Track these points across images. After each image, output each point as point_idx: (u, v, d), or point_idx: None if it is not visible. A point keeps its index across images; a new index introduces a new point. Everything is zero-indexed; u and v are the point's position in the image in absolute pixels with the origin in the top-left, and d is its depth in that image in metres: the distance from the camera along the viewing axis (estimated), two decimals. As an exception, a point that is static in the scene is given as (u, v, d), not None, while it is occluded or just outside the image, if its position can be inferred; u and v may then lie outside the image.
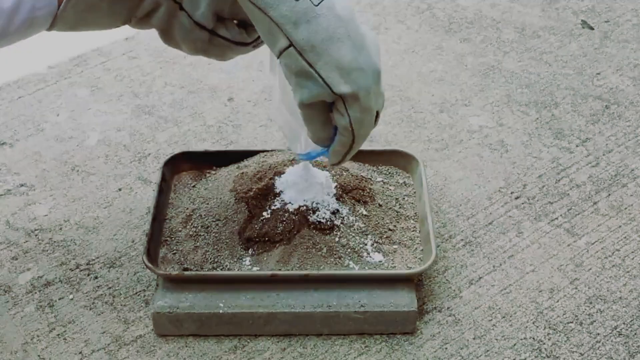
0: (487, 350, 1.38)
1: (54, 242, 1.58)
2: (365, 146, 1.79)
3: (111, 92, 1.97)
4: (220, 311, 1.38)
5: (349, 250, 1.44)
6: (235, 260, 1.44)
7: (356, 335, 1.41)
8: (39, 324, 1.43)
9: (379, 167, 1.64)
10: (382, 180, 1.60)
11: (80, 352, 1.38)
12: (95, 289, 1.49)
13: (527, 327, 1.42)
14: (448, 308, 1.45)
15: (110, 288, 1.49)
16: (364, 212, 1.49)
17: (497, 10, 2.27)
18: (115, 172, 1.74)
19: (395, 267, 1.44)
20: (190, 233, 1.48)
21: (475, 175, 1.73)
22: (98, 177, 1.73)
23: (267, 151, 1.61)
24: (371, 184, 1.55)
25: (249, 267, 1.43)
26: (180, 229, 1.50)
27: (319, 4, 1.09)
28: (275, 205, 1.46)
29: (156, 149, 1.80)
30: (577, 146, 1.80)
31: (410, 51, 2.11)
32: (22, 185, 1.71)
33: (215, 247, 1.45)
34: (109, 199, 1.67)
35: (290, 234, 1.44)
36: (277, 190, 1.47)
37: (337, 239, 1.44)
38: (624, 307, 1.45)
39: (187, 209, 1.53)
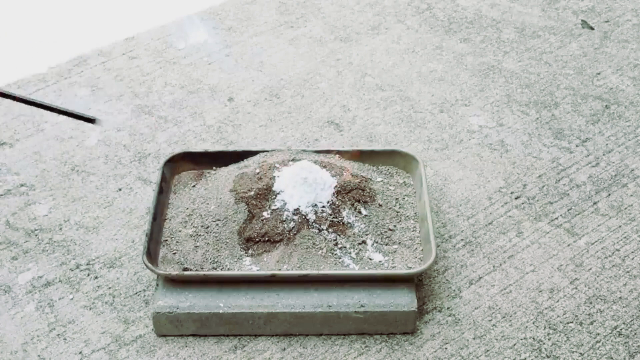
0: (487, 350, 1.38)
1: (54, 242, 1.58)
2: (365, 146, 1.79)
3: (111, 92, 1.97)
4: (220, 311, 1.38)
5: (349, 250, 1.44)
6: (235, 260, 1.44)
7: (356, 335, 1.41)
8: (39, 324, 1.43)
9: (379, 167, 1.64)
10: (382, 180, 1.60)
11: (80, 352, 1.38)
12: (95, 289, 1.49)
13: (527, 327, 1.42)
14: (448, 308, 1.45)
15: (110, 288, 1.49)
16: (364, 212, 1.49)
17: (497, 10, 2.27)
18: (115, 172, 1.74)
19: (395, 267, 1.44)
20: (190, 233, 1.48)
21: (475, 175, 1.73)
22: (98, 177, 1.73)
23: (267, 151, 1.61)
24: (371, 184, 1.55)
25: (249, 267, 1.43)
26: (180, 229, 1.50)
27: None
28: (275, 205, 1.46)
29: (156, 149, 1.80)
30: (577, 146, 1.80)
31: (410, 51, 2.11)
32: (22, 185, 1.71)
33: (215, 247, 1.45)
34: (109, 199, 1.67)
35: (290, 234, 1.44)
36: (277, 190, 1.47)
37: (337, 239, 1.44)
38: (624, 307, 1.45)
39: (187, 209, 1.53)
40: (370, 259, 1.44)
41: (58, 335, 1.41)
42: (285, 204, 1.45)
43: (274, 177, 1.49)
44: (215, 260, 1.43)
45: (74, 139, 1.83)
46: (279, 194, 1.47)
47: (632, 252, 1.55)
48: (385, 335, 1.41)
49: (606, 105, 1.92)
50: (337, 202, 1.47)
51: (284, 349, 1.39)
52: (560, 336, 1.40)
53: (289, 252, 1.42)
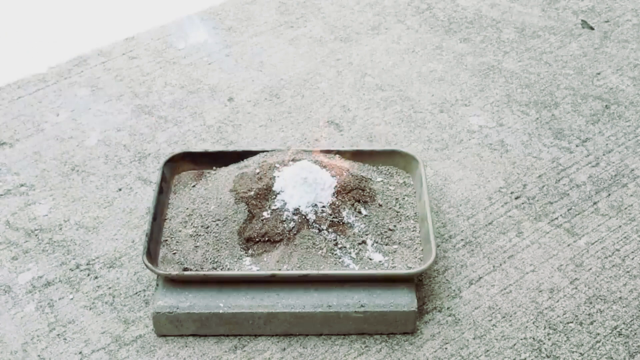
0: (487, 350, 1.38)
1: (54, 242, 1.58)
2: (365, 146, 1.79)
3: (111, 92, 1.97)
4: (220, 311, 1.38)
5: (349, 250, 1.44)
6: (235, 260, 1.44)
7: (356, 335, 1.41)
8: (39, 324, 1.43)
9: (379, 167, 1.64)
10: (382, 180, 1.60)
11: (80, 352, 1.38)
12: (95, 289, 1.49)
13: (527, 327, 1.42)
14: (448, 308, 1.45)
15: (110, 288, 1.49)
16: (364, 212, 1.49)
17: (497, 10, 2.27)
18: (115, 172, 1.74)
19: (395, 267, 1.44)
20: (190, 233, 1.48)
21: (475, 175, 1.73)
22: (98, 177, 1.73)
23: (267, 151, 1.61)
24: (371, 184, 1.55)
25: (249, 267, 1.43)
26: (180, 229, 1.50)
27: None
28: (275, 205, 1.46)
29: (156, 149, 1.80)
30: (577, 146, 1.80)
31: (410, 51, 2.11)
32: (22, 185, 1.71)
33: (215, 247, 1.45)
34: (109, 199, 1.67)
35: (290, 234, 1.44)
36: (277, 190, 1.47)
37: (337, 239, 1.44)
38: (624, 307, 1.45)
39: (187, 209, 1.53)
40: (370, 259, 1.44)
41: (58, 335, 1.41)
42: (285, 204, 1.45)
43: (274, 177, 1.49)
44: (215, 260, 1.43)
45: (74, 139, 1.83)
46: (279, 194, 1.47)
47: (632, 252, 1.55)
48: (385, 335, 1.41)
49: (606, 105, 1.92)
50: (337, 202, 1.47)
51: (284, 349, 1.39)
52: (560, 336, 1.40)
53: (289, 252, 1.42)
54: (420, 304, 1.44)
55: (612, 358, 1.37)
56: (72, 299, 1.47)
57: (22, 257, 1.55)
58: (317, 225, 1.44)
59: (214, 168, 1.63)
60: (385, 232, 1.49)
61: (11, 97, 1.95)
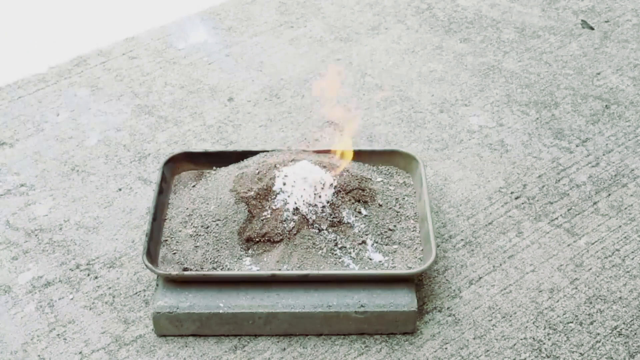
0: (487, 350, 1.38)
1: (54, 242, 1.58)
2: (365, 146, 1.79)
3: (111, 92, 1.97)
4: (220, 311, 1.38)
5: (349, 250, 1.44)
6: (235, 260, 1.44)
7: (356, 335, 1.41)
8: (39, 324, 1.43)
9: (379, 167, 1.64)
10: (382, 180, 1.60)
11: (80, 352, 1.38)
12: (95, 289, 1.49)
13: (527, 327, 1.42)
14: (448, 308, 1.45)
15: (110, 288, 1.49)
16: (364, 212, 1.49)
17: (497, 10, 2.27)
18: (115, 172, 1.74)
19: (395, 267, 1.44)
20: (190, 233, 1.48)
21: (475, 175, 1.73)
22: (98, 177, 1.73)
23: (267, 151, 1.61)
24: (371, 184, 1.55)
25: (249, 267, 1.43)
26: (180, 229, 1.50)
27: None
28: (275, 205, 1.46)
29: (156, 149, 1.80)
30: (577, 146, 1.80)
31: (410, 51, 2.11)
32: (22, 185, 1.71)
33: (215, 247, 1.45)
34: (109, 199, 1.67)
35: (290, 233, 1.44)
36: (277, 190, 1.47)
37: (337, 239, 1.44)
38: (624, 307, 1.45)
39: (187, 209, 1.53)
40: (370, 259, 1.44)
41: (58, 335, 1.41)
42: (285, 204, 1.45)
43: (274, 177, 1.49)
44: (215, 260, 1.43)
45: (74, 139, 1.83)
46: (279, 194, 1.47)
47: (632, 252, 1.55)
48: (385, 335, 1.41)
49: (606, 105, 1.92)
50: (337, 202, 1.47)
51: (284, 349, 1.39)
52: (560, 336, 1.40)
53: (289, 252, 1.42)
54: (420, 304, 1.44)
55: (612, 358, 1.37)
56: (72, 299, 1.47)
57: (22, 257, 1.55)
58: (317, 225, 1.44)
59: (214, 168, 1.63)
60: (385, 232, 1.49)
61: (11, 97, 1.95)
